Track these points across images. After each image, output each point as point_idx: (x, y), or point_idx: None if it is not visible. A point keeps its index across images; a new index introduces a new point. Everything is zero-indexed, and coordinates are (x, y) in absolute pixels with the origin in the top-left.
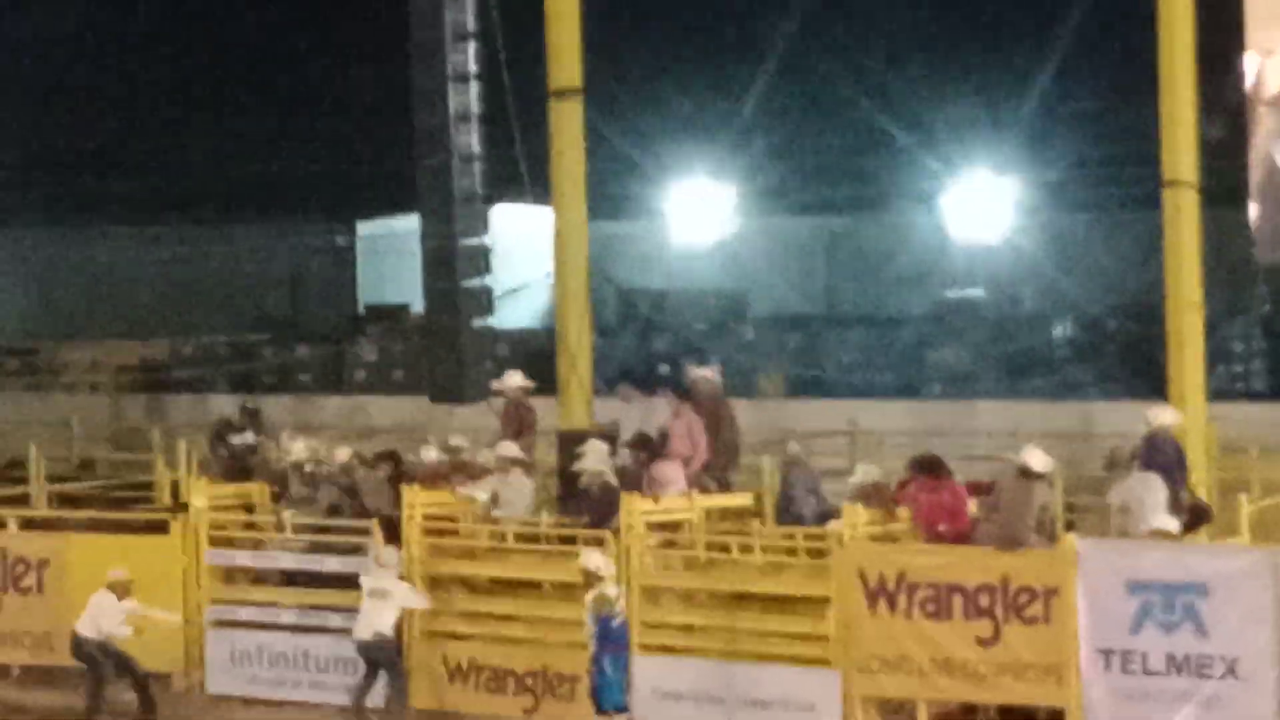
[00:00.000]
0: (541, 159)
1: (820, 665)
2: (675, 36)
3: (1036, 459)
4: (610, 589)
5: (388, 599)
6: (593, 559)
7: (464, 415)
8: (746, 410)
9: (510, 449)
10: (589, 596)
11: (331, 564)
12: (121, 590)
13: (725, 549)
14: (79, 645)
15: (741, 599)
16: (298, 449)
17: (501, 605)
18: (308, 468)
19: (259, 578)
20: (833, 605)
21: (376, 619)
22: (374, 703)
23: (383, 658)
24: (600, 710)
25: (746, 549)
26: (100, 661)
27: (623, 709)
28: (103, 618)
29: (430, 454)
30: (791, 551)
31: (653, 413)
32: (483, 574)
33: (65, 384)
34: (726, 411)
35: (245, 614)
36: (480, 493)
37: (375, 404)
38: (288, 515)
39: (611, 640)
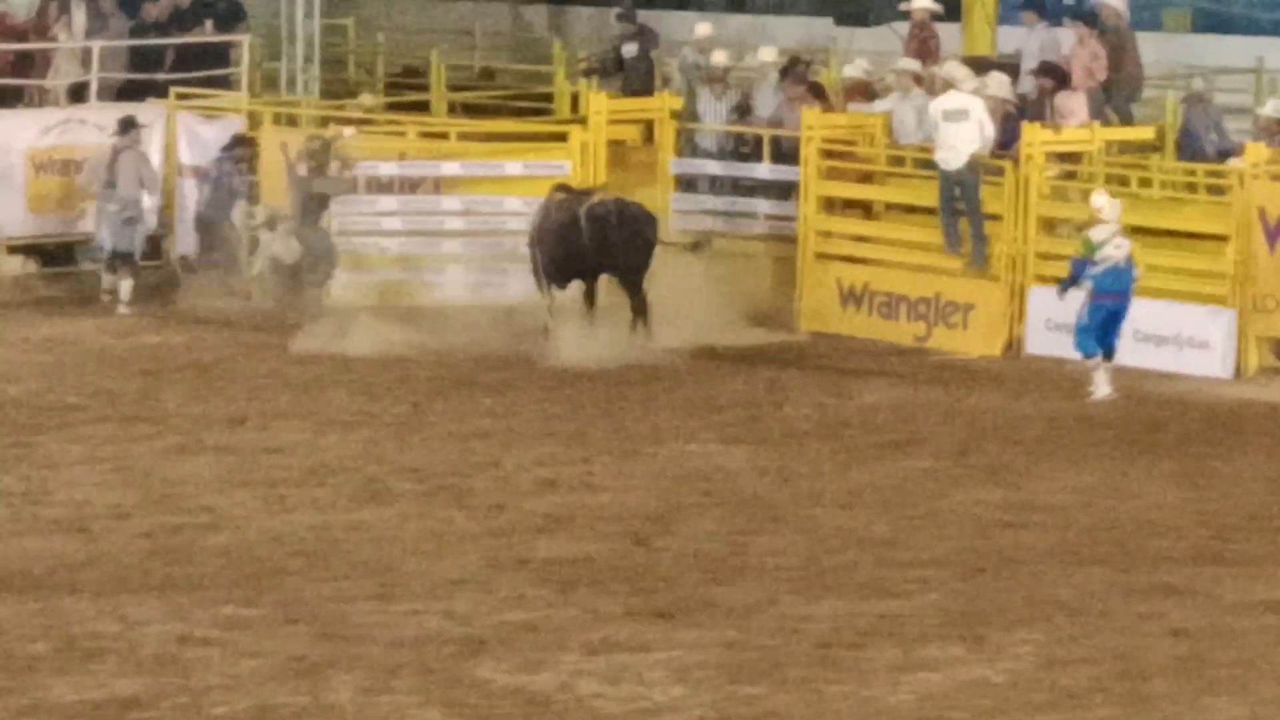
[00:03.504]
0: None
1: (1216, 303)
2: None
3: None
4: (1098, 232)
5: (966, 119)
6: (1099, 199)
7: (867, 37)
8: (1151, 43)
9: (910, 64)
10: (1081, 234)
11: (762, 171)
12: None
13: (1124, 182)
14: None
15: (1138, 233)
16: (717, 55)
17: (897, 230)
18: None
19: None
20: (1231, 243)
21: (963, 143)
22: None
23: (969, 180)
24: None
25: (1146, 183)
26: None
27: (1090, 354)
28: None
29: (853, 70)
30: (1191, 187)
31: (1057, 41)
32: (879, 198)
33: None
34: (1131, 43)
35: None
36: (881, 106)
37: (779, 23)
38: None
39: (1094, 283)
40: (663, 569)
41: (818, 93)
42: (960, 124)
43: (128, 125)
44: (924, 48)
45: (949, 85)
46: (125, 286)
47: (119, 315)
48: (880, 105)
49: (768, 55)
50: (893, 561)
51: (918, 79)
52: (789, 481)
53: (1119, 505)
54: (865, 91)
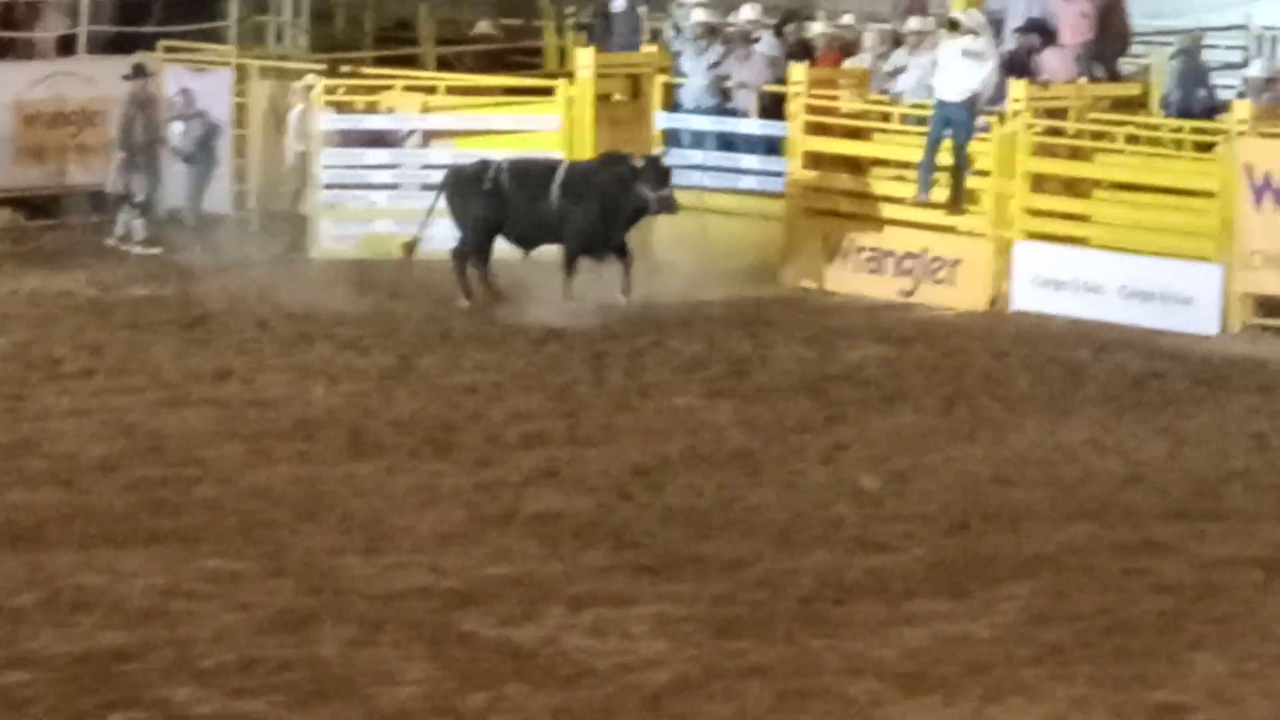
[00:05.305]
0: None
1: (1202, 259)
2: None
3: None
4: None
5: (982, 60)
6: None
7: None
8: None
9: (924, 23)
10: None
11: (749, 126)
12: None
13: (1111, 138)
14: None
15: (1124, 189)
16: (697, 13)
17: (883, 185)
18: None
19: None
20: (1217, 199)
21: (971, 79)
22: None
23: (963, 120)
24: None
25: (1132, 139)
26: None
27: None
28: None
29: (821, 26)
30: (1178, 144)
31: None
32: (867, 154)
33: None
34: (1119, 0)
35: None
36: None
37: None
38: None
39: None
40: (648, 523)
41: (805, 50)
42: (975, 63)
43: (129, 74)
44: (915, 4)
45: (970, 31)
46: (136, 226)
47: (130, 258)
48: (889, 63)
49: (750, 13)
50: (878, 516)
51: (924, 38)
52: (775, 436)
53: (1104, 461)
54: (844, 47)
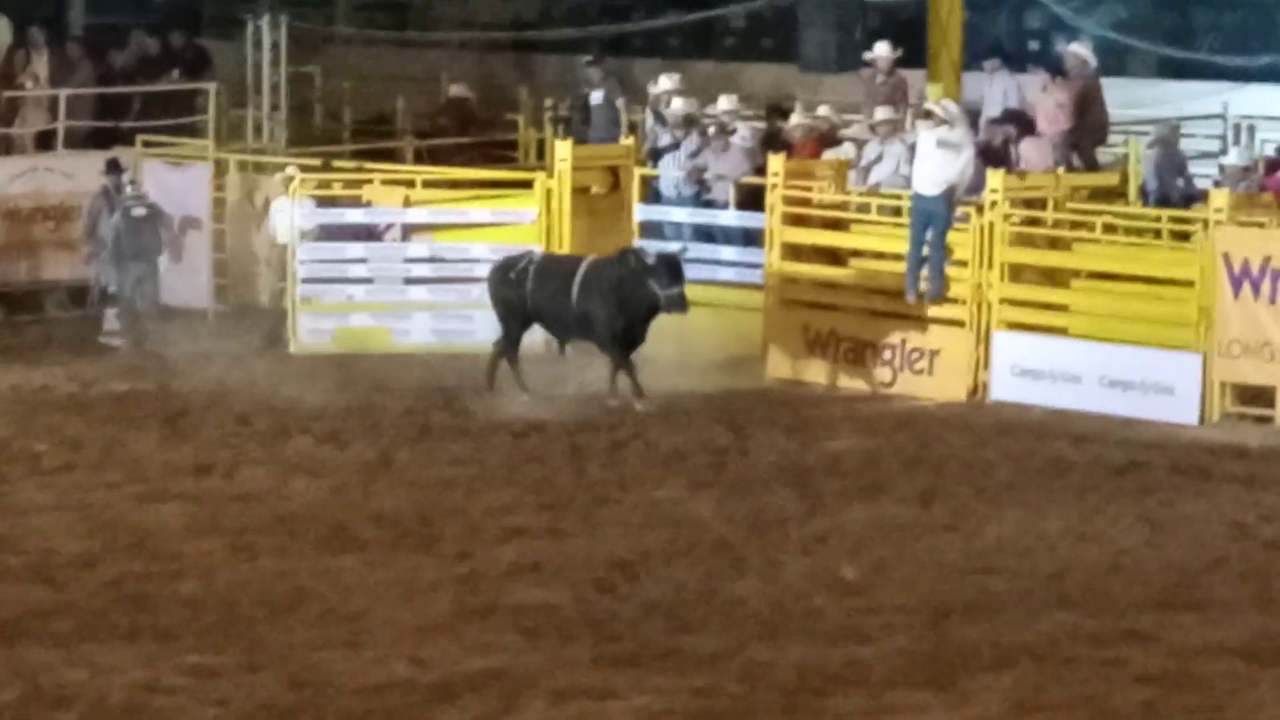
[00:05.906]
0: None
1: (1181, 349)
2: None
3: None
4: None
5: (958, 151)
6: None
7: (833, 85)
8: (1116, 89)
9: (892, 113)
10: None
11: (726, 218)
12: None
13: (1089, 228)
14: None
15: (1103, 279)
16: (676, 103)
17: (863, 276)
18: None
19: None
20: (1196, 288)
21: (949, 172)
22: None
23: (941, 213)
24: None
25: (1110, 229)
26: None
27: None
28: None
29: (795, 119)
30: (1156, 233)
31: (1021, 88)
32: (845, 245)
33: (434, 40)
34: (1097, 91)
35: None
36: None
37: (744, 71)
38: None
39: None
40: (629, 616)
41: (781, 141)
42: (951, 154)
43: (105, 169)
44: (894, 94)
45: (944, 122)
46: (112, 319)
47: (109, 348)
48: (864, 157)
49: (726, 104)
50: (859, 608)
51: (897, 127)
52: (755, 528)
53: (1084, 550)
54: (821, 139)
